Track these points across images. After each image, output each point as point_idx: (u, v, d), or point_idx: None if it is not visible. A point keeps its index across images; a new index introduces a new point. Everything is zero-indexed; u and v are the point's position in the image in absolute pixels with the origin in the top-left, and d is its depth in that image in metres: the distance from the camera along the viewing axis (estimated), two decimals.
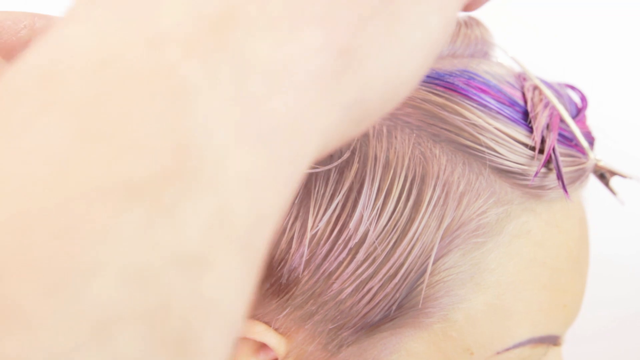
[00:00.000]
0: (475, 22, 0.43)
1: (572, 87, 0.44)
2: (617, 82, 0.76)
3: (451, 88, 0.38)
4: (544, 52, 0.74)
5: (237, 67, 0.20)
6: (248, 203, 0.19)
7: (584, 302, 0.43)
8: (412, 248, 0.36)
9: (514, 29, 0.71)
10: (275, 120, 0.20)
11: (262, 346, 0.38)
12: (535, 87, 0.41)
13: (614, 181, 0.45)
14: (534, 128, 0.39)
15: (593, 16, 0.77)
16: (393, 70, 0.24)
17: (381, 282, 0.36)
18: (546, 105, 0.40)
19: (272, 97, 0.20)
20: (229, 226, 0.19)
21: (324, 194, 0.36)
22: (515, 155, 0.38)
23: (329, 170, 0.37)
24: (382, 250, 0.36)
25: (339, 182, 0.36)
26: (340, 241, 0.36)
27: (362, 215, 0.36)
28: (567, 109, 0.41)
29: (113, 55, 0.19)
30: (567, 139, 0.40)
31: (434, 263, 0.37)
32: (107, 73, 0.19)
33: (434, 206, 0.36)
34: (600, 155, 0.43)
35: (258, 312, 0.38)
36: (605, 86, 0.72)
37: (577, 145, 0.41)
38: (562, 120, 0.40)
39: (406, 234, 0.36)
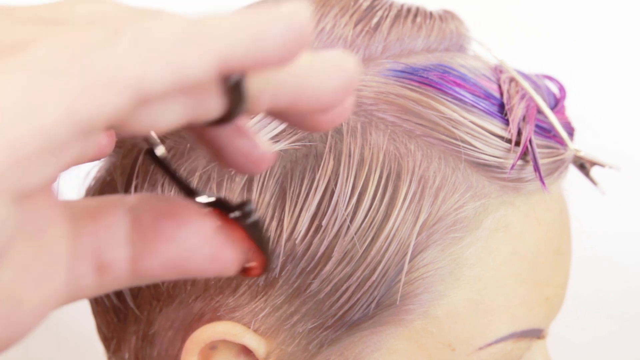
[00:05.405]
0: (450, 16, 0.43)
1: (550, 78, 0.44)
2: (597, 73, 0.76)
3: (425, 82, 0.38)
4: (522, 44, 0.74)
5: None
6: None
7: (582, 301, 0.43)
8: (389, 245, 0.36)
9: (493, 21, 0.71)
10: None
11: (243, 349, 0.38)
12: (512, 79, 0.40)
13: (602, 172, 0.44)
14: (510, 120, 0.38)
15: (571, 6, 0.77)
16: None
17: (359, 280, 0.36)
18: (523, 96, 0.39)
19: None
20: None
21: (299, 193, 0.36)
22: (491, 149, 0.38)
23: (304, 169, 0.36)
24: (359, 248, 0.36)
25: (313, 180, 0.36)
26: (316, 240, 0.36)
27: (338, 213, 0.36)
28: (545, 100, 0.41)
29: None
30: (545, 130, 0.40)
31: (412, 259, 0.36)
32: None
33: (410, 202, 0.36)
34: (580, 145, 0.42)
35: (237, 314, 0.38)
36: (584, 77, 0.71)
37: (555, 137, 0.40)
38: (540, 112, 0.40)
39: (383, 231, 0.36)
